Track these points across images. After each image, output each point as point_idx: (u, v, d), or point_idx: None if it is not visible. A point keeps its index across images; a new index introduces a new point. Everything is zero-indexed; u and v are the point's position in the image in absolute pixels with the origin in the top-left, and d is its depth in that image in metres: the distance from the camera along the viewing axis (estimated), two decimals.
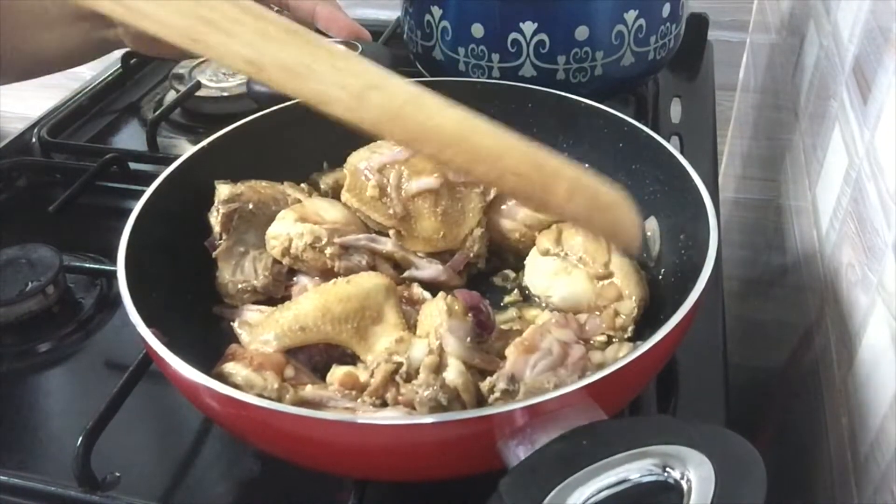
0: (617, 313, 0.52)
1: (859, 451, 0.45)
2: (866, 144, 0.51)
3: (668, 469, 0.33)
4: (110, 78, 0.91)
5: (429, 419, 0.38)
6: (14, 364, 0.57)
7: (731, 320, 0.58)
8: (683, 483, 0.33)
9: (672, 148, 0.55)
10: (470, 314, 0.47)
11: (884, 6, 0.51)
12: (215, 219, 0.54)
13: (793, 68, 0.79)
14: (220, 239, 0.54)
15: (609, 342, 0.51)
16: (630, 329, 0.51)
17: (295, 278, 0.54)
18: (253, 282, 0.53)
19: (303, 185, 0.60)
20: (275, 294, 0.54)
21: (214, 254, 0.53)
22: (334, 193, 0.60)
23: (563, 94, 0.62)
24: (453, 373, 0.43)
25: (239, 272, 0.53)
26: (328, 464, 0.42)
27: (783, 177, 0.80)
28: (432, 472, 0.42)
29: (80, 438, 0.45)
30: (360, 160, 0.57)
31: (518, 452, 0.36)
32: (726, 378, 0.54)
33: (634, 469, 0.33)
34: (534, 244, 0.57)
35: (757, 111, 1.01)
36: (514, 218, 0.58)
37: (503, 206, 0.58)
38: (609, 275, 0.53)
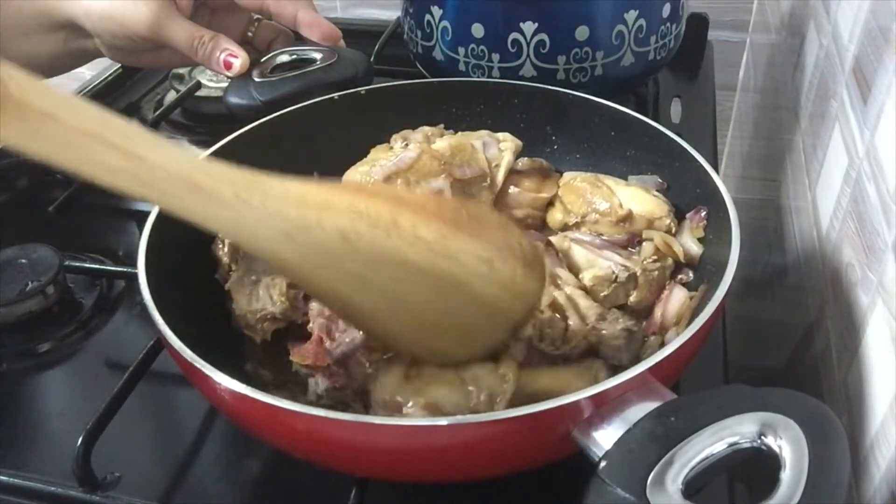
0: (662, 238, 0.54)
1: (859, 451, 0.45)
2: (866, 144, 0.51)
3: (762, 436, 0.33)
4: (110, 78, 0.91)
5: (444, 421, 0.37)
6: (14, 364, 0.57)
7: (731, 320, 0.58)
8: (775, 447, 0.33)
9: (665, 129, 0.56)
10: None
11: (884, 6, 0.51)
12: (222, 251, 0.52)
13: (793, 68, 0.79)
14: (230, 270, 0.52)
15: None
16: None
17: (311, 303, 0.50)
18: (270, 308, 0.50)
19: None
20: (295, 319, 0.51)
21: (227, 285, 0.51)
22: None
23: (548, 87, 0.63)
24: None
25: (255, 301, 0.50)
26: (341, 463, 0.42)
27: (783, 177, 0.80)
28: (460, 473, 0.42)
29: (81, 438, 0.45)
30: (361, 175, 0.55)
31: (596, 438, 0.36)
32: (726, 378, 0.54)
33: (728, 438, 0.33)
34: (541, 221, 0.59)
35: (757, 111, 1.01)
36: (522, 204, 0.59)
37: (509, 195, 0.59)
38: (628, 213, 0.54)
